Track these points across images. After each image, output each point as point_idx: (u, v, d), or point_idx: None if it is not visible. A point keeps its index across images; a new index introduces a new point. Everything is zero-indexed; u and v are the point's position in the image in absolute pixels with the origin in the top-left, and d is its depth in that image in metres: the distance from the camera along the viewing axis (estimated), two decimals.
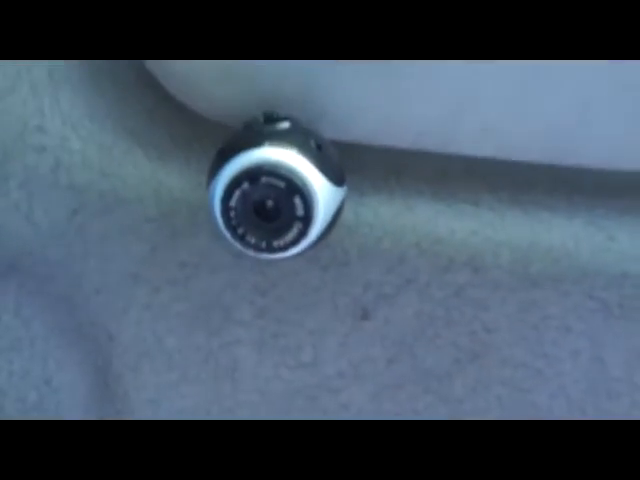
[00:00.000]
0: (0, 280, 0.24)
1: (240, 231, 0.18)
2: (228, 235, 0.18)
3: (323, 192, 0.18)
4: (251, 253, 0.19)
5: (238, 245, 0.19)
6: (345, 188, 0.20)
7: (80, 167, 0.22)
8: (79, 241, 0.23)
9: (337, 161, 0.20)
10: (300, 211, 0.18)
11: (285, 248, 0.18)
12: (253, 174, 0.18)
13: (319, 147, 0.19)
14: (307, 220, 0.18)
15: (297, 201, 0.18)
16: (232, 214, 0.18)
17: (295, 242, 0.18)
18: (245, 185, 0.18)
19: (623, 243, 0.23)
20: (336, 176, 0.19)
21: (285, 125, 0.19)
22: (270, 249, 0.18)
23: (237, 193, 0.18)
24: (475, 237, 0.23)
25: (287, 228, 0.18)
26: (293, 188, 0.18)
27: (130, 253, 0.24)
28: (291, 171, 0.18)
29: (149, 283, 0.25)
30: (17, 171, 0.22)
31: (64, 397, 0.26)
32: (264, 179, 0.18)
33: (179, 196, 0.23)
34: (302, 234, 0.18)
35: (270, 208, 0.18)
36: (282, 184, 0.18)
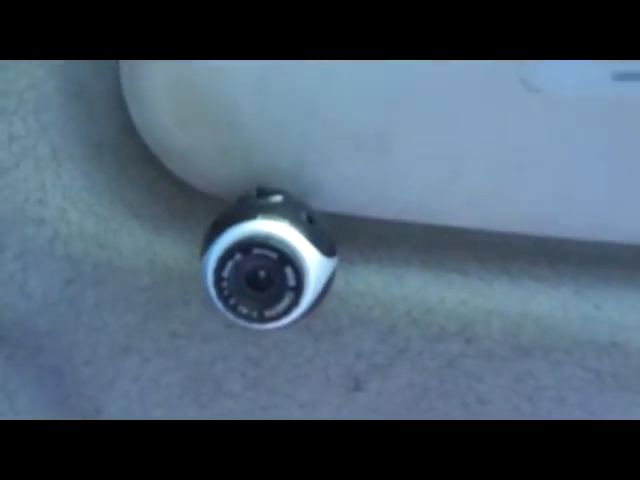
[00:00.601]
0: None
1: (232, 301, 0.18)
2: (220, 305, 0.19)
3: (314, 262, 0.19)
4: (243, 323, 0.19)
5: (230, 315, 0.19)
6: (336, 258, 0.21)
7: (77, 238, 0.23)
8: (71, 311, 0.23)
9: (328, 232, 0.20)
10: (292, 281, 0.18)
11: (277, 318, 0.19)
12: (245, 245, 0.18)
13: (310, 219, 0.20)
14: (298, 290, 0.18)
15: (288, 271, 0.18)
16: (224, 284, 0.18)
17: (287, 312, 0.18)
18: (238, 256, 0.18)
19: (610, 312, 0.23)
20: (327, 247, 0.20)
21: (277, 199, 0.20)
22: (262, 319, 0.19)
23: (230, 264, 0.18)
24: (465, 306, 0.24)
25: (279, 298, 0.18)
26: (285, 259, 0.18)
27: (121, 323, 0.24)
28: (283, 242, 0.18)
29: (139, 354, 0.24)
30: (14, 242, 0.22)
31: None
32: (256, 250, 0.18)
33: (173, 266, 0.23)
34: (294, 304, 0.18)
35: (262, 278, 0.18)
36: (274, 255, 0.18)
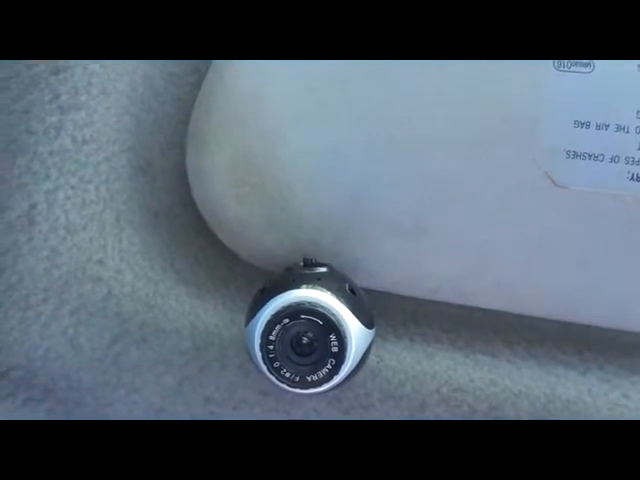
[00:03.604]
0: (34, 404, 0.24)
1: (277, 364, 0.19)
2: (265, 368, 0.20)
3: (356, 331, 0.20)
4: (285, 387, 0.19)
5: (273, 379, 0.20)
6: (374, 331, 0.22)
7: (128, 298, 0.24)
8: (114, 369, 0.24)
9: (368, 305, 0.22)
10: (334, 348, 0.19)
11: (318, 384, 0.19)
12: (294, 311, 0.19)
13: (352, 291, 0.21)
14: (340, 356, 0.19)
15: (332, 337, 0.19)
16: (271, 347, 0.19)
17: (328, 378, 0.19)
18: (285, 321, 0.19)
19: (638, 402, 0.24)
20: (367, 319, 0.21)
21: (323, 270, 0.21)
22: (304, 383, 0.19)
23: (277, 328, 0.19)
24: (494, 387, 0.24)
25: (321, 364, 0.19)
26: (329, 325, 0.19)
27: (159, 385, 0.24)
28: (328, 310, 0.19)
29: (172, 417, 0.25)
30: (72, 298, 0.24)
31: None
32: (304, 316, 0.19)
33: (213, 331, 0.25)
34: (335, 370, 0.19)
35: (306, 343, 0.19)
36: (320, 321, 0.19)
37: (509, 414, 0.24)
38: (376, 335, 0.24)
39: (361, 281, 0.23)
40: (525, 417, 0.24)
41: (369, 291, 0.23)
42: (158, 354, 0.24)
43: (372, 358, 0.24)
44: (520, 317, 0.24)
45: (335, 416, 0.24)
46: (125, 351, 0.24)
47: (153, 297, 0.24)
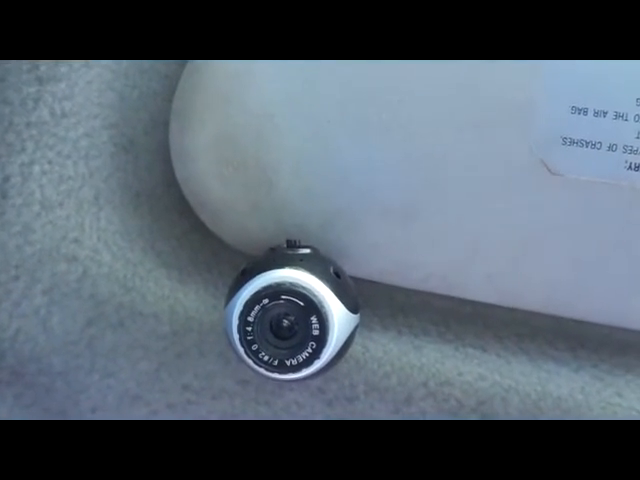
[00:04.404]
0: (1, 387, 0.23)
1: (255, 347, 0.18)
2: (242, 351, 0.19)
3: (339, 314, 0.19)
4: (263, 371, 0.19)
5: (250, 362, 0.19)
6: (358, 316, 0.21)
7: (105, 279, 0.23)
8: (88, 353, 0.23)
9: (353, 290, 0.21)
10: (315, 330, 0.18)
11: (297, 368, 0.18)
12: (273, 291, 0.18)
13: (337, 274, 0.20)
14: (322, 340, 0.18)
15: (313, 320, 0.18)
16: (249, 329, 0.18)
17: (307, 362, 0.18)
18: (265, 301, 0.18)
19: (632, 401, 0.23)
20: (351, 303, 0.20)
21: (306, 251, 0.20)
22: (282, 367, 0.18)
23: (256, 309, 0.18)
24: (483, 382, 0.23)
25: (301, 347, 0.18)
26: (311, 307, 0.18)
27: (135, 371, 0.24)
28: (310, 291, 0.19)
29: (148, 406, 0.24)
30: (45, 277, 0.23)
31: None
32: (284, 297, 0.18)
33: (193, 316, 0.24)
34: (315, 354, 0.18)
35: (287, 326, 0.19)
36: (301, 303, 0.18)
37: (498, 410, 0.23)
38: (362, 325, 0.23)
39: (348, 268, 0.22)
40: (515, 413, 0.23)
41: (356, 279, 0.23)
42: (135, 338, 0.23)
43: (357, 349, 0.23)
44: (512, 311, 0.23)
45: (318, 408, 0.24)
46: (100, 334, 0.23)
47: (131, 279, 0.23)
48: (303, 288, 0.18)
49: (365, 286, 0.23)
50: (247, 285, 0.19)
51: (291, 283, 0.18)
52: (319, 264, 0.20)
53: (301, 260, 0.20)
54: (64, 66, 0.22)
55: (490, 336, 0.24)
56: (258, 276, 0.19)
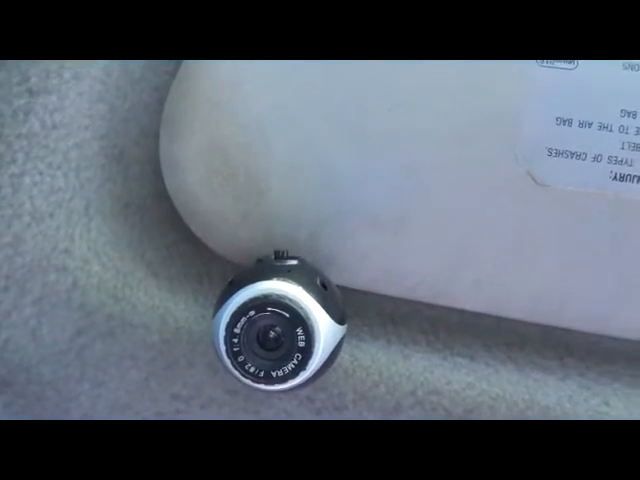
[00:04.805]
0: None
1: (241, 358, 0.19)
2: (229, 362, 0.19)
3: (325, 326, 0.19)
4: (249, 382, 0.19)
5: (237, 373, 0.19)
6: (345, 327, 0.21)
7: (95, 289, 0.23)
8: (77, 362, 0.23)
9: (340, 301, 0.21)
10: (301, 342, 0.18)
11: (283, 379, 0.19)
12: (260, 303, 0.19)
13: (324, 285, 0.20)
14: (307, 351, 0.18)
15: (299, 331, 0.18)
16: (236, 340, 0.19)
17: (294, 374, 0.19)
18: (251, 313, 0.19)
19: (619, 410, 0.23)
20: (338, 314, 0.20)
21: (293, 262, 0.20)
22: (268, 379, 0.19)
23: (243, 320, 0.19)
24: (471, 390, 0.23)
25: (287, 358, 0.19)
26: (297, 319, 0.19)
27: (124, 380, 0.24)
28: (296, 303, 0.19)
29: (137, 415, 0.24)
30: (35, 288, 0.23)
31: None
32: (270, 308, 0.19)
33: (182, 325, 0.24)
34: (301, 366, 0.18)
35: (273, 337, 0.19)
36: (287, 314, 0.18)
37: (486, 418, 0.23)
38: (351, 335, 0.23)
39: (337, 278, 0.23)
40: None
41: (345, 289, 0.23)
42: (124, 348, 0.23)
43: (346, 358, 0.24)
44: (500, 320, 0.24)
45: (307, 417, 0.24)
46: (90, 344, 0.23)
47: (121, 289, 0.24)
48: (289, 300, 0.19)
49: (354, 295, 0.23)
50: (234, 296, 0.19)
51: (278, 295, 0.19)
52: (306, 275, 0.20)
53: (288, 271, 0.20)
54: (55, 78, 0.23)
55: (479, 345, 0.24)
56: (245, 288, 0.19)
